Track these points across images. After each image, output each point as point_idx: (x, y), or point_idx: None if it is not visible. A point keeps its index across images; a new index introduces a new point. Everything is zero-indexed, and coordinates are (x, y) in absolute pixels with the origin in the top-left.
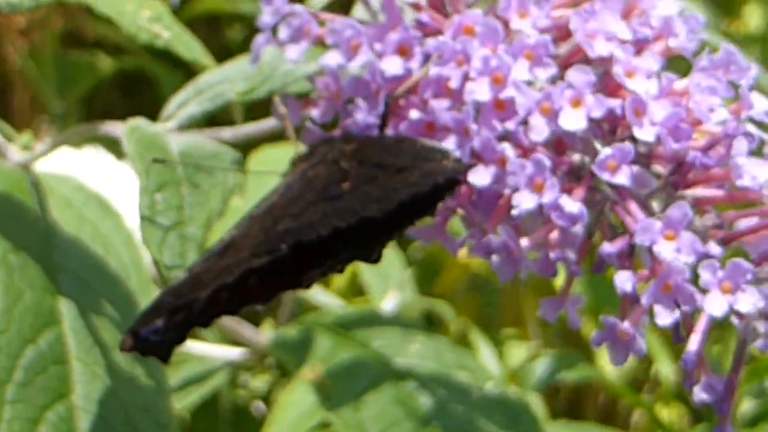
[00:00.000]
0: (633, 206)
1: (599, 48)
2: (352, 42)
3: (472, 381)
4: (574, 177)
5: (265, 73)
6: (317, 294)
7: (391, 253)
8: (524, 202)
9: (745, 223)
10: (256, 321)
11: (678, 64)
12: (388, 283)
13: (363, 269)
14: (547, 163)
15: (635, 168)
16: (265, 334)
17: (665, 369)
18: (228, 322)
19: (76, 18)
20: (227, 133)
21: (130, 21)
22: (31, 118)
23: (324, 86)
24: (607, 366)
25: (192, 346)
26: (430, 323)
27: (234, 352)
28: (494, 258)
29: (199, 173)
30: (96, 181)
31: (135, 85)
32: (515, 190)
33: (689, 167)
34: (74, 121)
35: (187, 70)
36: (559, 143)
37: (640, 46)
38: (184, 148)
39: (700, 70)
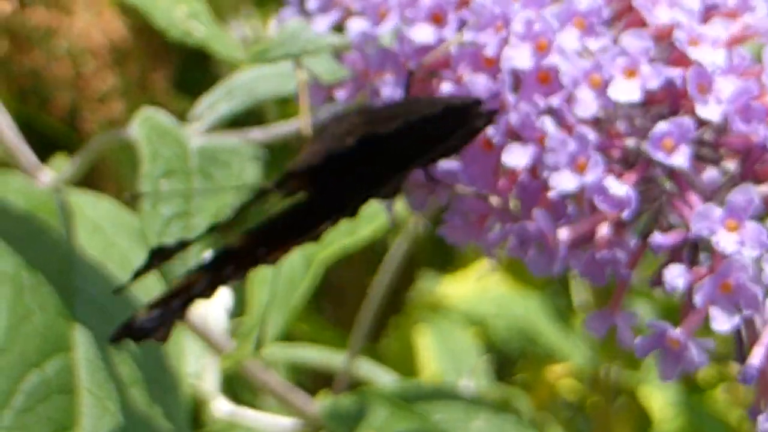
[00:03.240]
0: (694, 198)
1: (660, 14)
2: (381, 9)
3: None
4: (627, 165)
5: (283, 36)
6: (378, 373)
7: (464, 337)
8: (563, 182)
9: None
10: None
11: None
12: (461, 369)
13: (434, 354)
14: (592, 137)
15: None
16: (319, 403)
17: None
18: (280, 388)
19: None
20: (257, 133)
21: (162, 15)
22: None
23: (351, 63)
24: None
25: (241, 413)
26: None
27: (285, 422)
28: (530, 253)
29: (215, 165)
30: None
31: None
32: (555, 169)
33: (759, 153)
34: None
35: None
36: (612, 128)
37: (708, 14)
38: (203, 143)
39: None
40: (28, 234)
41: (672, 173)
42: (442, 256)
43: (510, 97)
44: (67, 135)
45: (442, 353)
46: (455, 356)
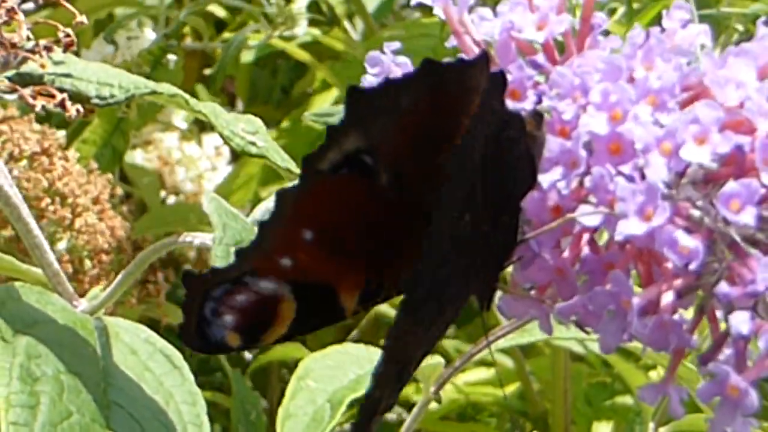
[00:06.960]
0: (754, 264)
1: (729, 94)
2: None
3: None
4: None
5: None
6: None
7: None
8: (631, 227)
9: None
10: None
11: None
12: None
13: None
14: (661, 187)
15: None
16: None
17: None
18: None
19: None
20: None
21: (225, 126)
22: None
23: None
24: None
25: None
26: None
27: None
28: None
29: None
30: None
31: None
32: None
33: None
34: None
35: None
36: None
37: None
38: None
39: None
40: (67, 346)
41: (732, 244)
42: None
43: (582, 153)
44: None
45: None
46: None
